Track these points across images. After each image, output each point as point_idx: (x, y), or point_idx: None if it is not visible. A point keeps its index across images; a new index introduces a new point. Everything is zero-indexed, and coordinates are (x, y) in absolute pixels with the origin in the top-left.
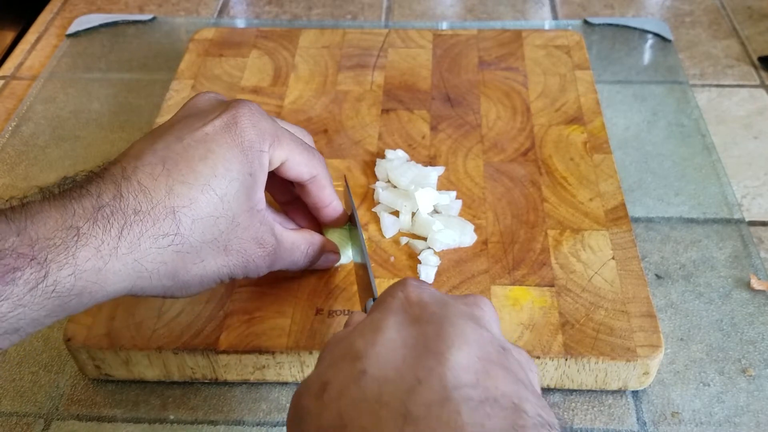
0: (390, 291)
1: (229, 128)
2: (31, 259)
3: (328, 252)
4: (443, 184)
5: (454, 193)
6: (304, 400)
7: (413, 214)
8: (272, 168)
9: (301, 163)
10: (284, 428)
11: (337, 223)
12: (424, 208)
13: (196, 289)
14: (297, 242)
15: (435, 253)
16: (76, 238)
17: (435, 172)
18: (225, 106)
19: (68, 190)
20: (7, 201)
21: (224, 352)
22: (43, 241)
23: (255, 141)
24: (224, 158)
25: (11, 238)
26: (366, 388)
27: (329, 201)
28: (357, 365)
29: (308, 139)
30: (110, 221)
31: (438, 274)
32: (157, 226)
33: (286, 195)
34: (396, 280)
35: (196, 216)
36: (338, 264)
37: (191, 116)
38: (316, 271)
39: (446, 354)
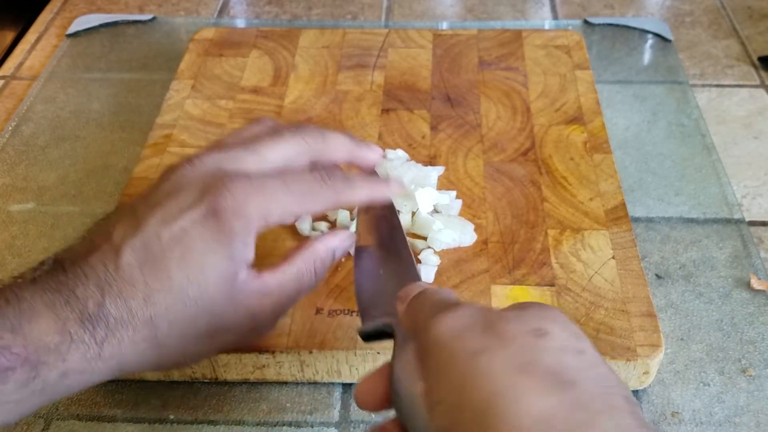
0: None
1: (206, 219)
2: (24, 359)
3: (340, 245)
4: (443, 184)
5: (453, 193)
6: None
7: (413, 213)
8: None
9: (297, 213)
10: (284, 428)
11: (370, 167)
12: (424, 208)
13: (183, 367)
14: (300, 269)
15: (435, 252)
16: (69, 342)
17: (435, 172)
18: (205, 189)
19: (57, 288)
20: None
21: (224, 351)
22: (37, 342)
23: (238, 233)
24: (201, 253)
25: (6, 335)
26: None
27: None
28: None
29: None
30: (96, 328)
31: (438, 273)
32: (137, 333)
33: None
34: None
35: (172, 320)
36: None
37: (171, 198)
38: None
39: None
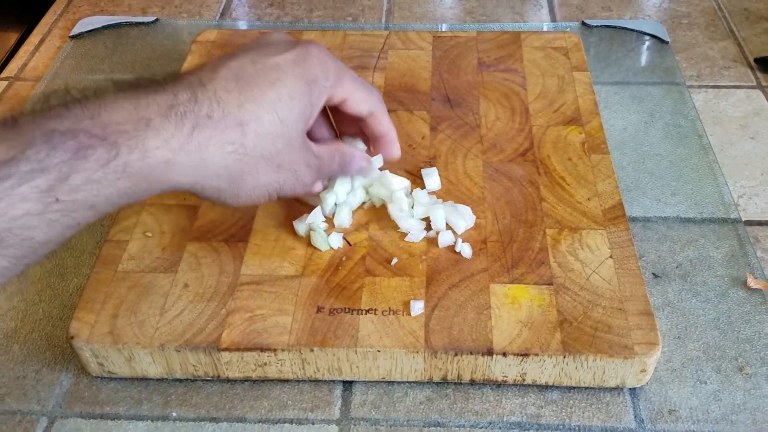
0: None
1: (298, 63)
2: (103, 140)
3: (359, 159)
4: (443, 184)
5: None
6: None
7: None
8: (334, 103)
9: (361, 100)
10: (285, 425)
11: (391, 155)
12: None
13: (245, 197)
14: (331, 153)
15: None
16: (146, 128)
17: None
18: (296, 43)
19: (144, 86)
20: (82, 91)
21: (226, 349)
22: (115, 126)
23: (320, 77)
24: (290, 87)
25: (85, 121)
26: None
27: (386, 132)
28: None
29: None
30: (183, 120)
31: (437, 273)
32: (225, 134)
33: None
34: (395, 279)
35: (259, 131)
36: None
37: (264, 47)
38: (317, 270)
39: None
